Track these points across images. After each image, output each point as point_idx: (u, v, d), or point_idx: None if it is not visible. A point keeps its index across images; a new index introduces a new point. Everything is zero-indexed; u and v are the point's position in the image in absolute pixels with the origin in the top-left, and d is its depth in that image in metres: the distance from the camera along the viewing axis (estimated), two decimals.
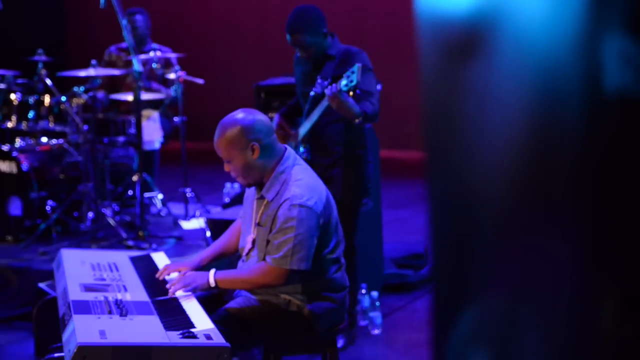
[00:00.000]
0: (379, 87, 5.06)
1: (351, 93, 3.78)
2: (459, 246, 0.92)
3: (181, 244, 5.65)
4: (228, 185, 6.45)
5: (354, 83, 3.71)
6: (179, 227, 6.08)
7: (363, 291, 4.73)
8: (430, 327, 1.02)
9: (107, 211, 5.71)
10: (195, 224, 6.08)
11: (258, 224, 3.05)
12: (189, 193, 6.35)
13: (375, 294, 4.70)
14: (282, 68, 4.95)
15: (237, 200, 5.38)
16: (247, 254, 3.13)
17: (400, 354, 4.37)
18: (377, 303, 4.68)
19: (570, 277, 0.80)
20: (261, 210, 3.04)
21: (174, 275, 3.20)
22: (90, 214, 5.72)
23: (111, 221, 5.61)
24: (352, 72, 3.72)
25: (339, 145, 4.19)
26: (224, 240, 3.35)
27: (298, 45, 4.08)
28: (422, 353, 4.35)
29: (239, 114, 3.01)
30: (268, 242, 2.98)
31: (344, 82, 3.75)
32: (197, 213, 6.27)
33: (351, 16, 9.83)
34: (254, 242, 3.08)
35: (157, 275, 3.22)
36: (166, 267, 3.26)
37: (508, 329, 0.86)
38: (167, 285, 3.06)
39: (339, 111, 3.85)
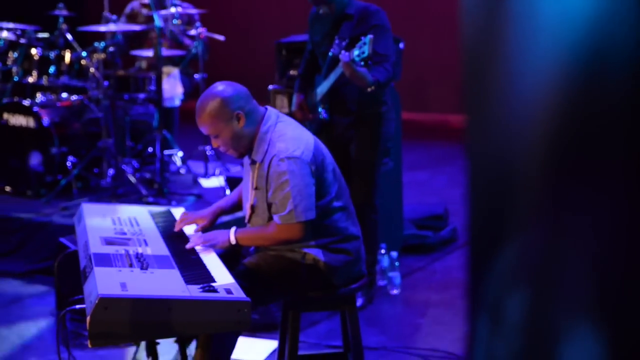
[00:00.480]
0: (401, 45, 5.00)
1: (363, 63, 3.75)
2: (498, 184, 0.89)
3: (201, 202, 5.65)
4: None
5: (365, 55, 3.68)
6: (199, 185, 6.08)
7: (382, 251, 4.73)
8: (466, 271, 0.99)
9: (127, 168, 5.72)
10: (214, 182, 6.08)
11: (255, 188, 3.04)
12: (208, 151, 6.34)
13: (394, 254, 4.70)
14: (304, 25, 4.88)
15: None
16: (249, 221, 3.13)
17: (418, 315, 4.36)
18: (397, 263, 4.67)
19: (616, 210, 0.77)
20: (255, 174, 3.04)
21: (192, 229, 3.22)
22: (111, 171, 5.73)
23: (131, 178, 5.62)
24: (364, 44, 3.68)
25: (357, 104, 4.15)
26: (239, 192, 3.35)
27: (319, 1, 4.02)
28: (440, 313, 4.35)
29: (217, 87, 3.02)
30: (270, 205, 2.98)
31: (356, 52, 3.71)
32: (217, 171, 6.27)
33: None
34: (253, 208, 3.08)
35: (175, 225, 3.24)
36: (183, 216, 3.26)
37: (549, 266, 0.83)
38: (188, 245, 3.05)
39: (352, 79, 3.82)
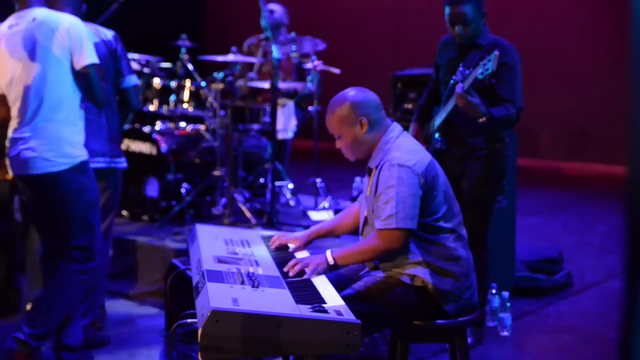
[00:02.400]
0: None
1: (487, 81, 3.69)
2: None
3: None
4: (357, 179, 6.43)
5: (489, 71, 3.63)
6: (308, 217, 6.09)
7: (493, 291, 4.58)
8: (624, 237, 0.91)
9: (239, 197, 5.79)
10: (324, 215, 6.08)
11: (367, 196, 3.08)
12: (319, 183, 6.36)
13: (505, 294, 4.54)
14: (419, 58, 4.87)
15: None
16: (362, 232, 3.17)
17: (530, 358, 4.19)
18: (508, 304, 4.51)
19: None
20: (370, 182, 3.09)
21: (291, 245, 3.32)
22: (223, 199, 5.81)
23: (242, 207, 5.69)
24: (489, 60, 3.63)
25: (473, 137, 4.07)
26: (336, 220, 3.42)
27: (459, 19, 3.93)
28: (553, 358, 4.16)
29: (349, 92, 3.11)
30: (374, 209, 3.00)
31: (479, 70, 3.65)
32: (326, 204, 6.27)
33: (490, 14, 9.62)
34: (365, 218, 3.11)
35: (269, 244, 3.36)
36: (278, 237, 3.38)
37: None
38: (285, 268, 3.01)
39: (464, 110, 3.76)
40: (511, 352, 4.30)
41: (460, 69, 3.77)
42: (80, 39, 3.67)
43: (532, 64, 9.18)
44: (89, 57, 3.67)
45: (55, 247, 3.82)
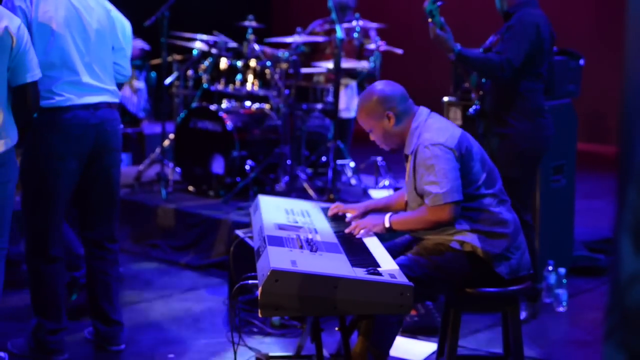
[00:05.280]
0: (581, 62, 4.92)
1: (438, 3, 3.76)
2: None
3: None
4: None
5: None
6: (368, 195, 6.20)
7: (550, 268, 4.63)
8: (618, 144, 1.01)
9: (301, 175, 5.94)
10: (384, 193, 6.18)
11: (407, 180, 3.21)
12: (380, 162, 6.46)
13: (562, 270, 4.59)
14: (481, 38, 4.89)
15: None
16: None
17: (585, 333, 4.24)
18: (564, 280, 4.56)
19: None
20: (408, 166, 3.21)
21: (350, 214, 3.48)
22: (285, 177, 5.97)
23: (304, 184, 5.83)
24: None
25: (501, 107, 4.12)
26: (392, 197, 3.56)
27: None
28: None
29: (377, 86, 3.25)
30: (419, 191, 3.11)
31: None
32: (387, 182, 6.38)
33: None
34: (406, 202, 3.26)
35: (328, 213, 3.53)
36: (337, 205, 3.56)
37: None
38: (347, 230, 3.24)
39: (436, 44, 3.84)
40: (566, 327, 4.35)
41: (490, 37, 3.88)
42: None
43: (599, 49, 9.08)
44: None
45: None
